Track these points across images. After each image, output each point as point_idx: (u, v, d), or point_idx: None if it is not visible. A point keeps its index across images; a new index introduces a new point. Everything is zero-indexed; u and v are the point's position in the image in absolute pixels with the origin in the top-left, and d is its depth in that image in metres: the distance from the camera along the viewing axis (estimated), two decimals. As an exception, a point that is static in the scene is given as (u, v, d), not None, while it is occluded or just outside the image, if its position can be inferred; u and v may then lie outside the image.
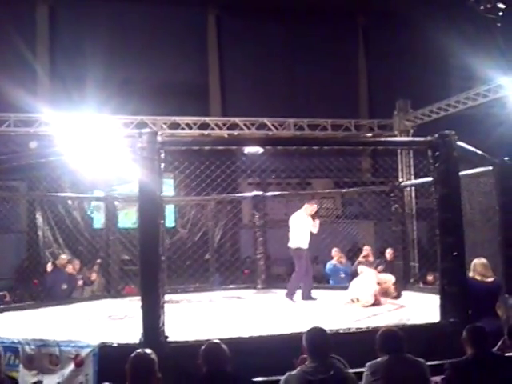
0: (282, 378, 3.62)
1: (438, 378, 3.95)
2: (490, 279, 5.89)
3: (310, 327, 3.89)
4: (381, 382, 3.71)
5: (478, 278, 5.85)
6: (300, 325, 5.50)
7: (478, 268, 5.88)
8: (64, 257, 9.73)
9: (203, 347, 3.70)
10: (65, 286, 9.17)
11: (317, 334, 3.82)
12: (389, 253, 9.70)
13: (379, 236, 11.65)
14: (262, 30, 15.55)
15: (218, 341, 3.78)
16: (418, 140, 6.62)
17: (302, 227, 8.47)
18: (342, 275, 9.99)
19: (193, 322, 6.50)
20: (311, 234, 8.55)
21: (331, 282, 10.28)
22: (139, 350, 3.52)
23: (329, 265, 10.25)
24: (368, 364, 3.83)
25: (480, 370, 3.80)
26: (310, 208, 8.63)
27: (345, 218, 12.32)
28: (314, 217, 8.63)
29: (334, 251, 10.15)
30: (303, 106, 15.04)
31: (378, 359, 3.83)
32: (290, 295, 8.27)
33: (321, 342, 3.74)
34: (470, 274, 5.88)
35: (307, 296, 8.39)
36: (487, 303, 5.72)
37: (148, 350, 3.53)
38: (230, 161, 10.80)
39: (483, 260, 5.95)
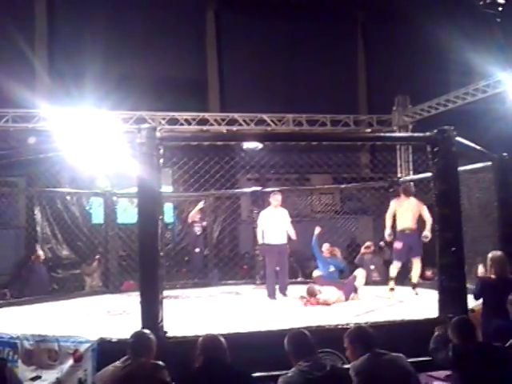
0: (280, 380, 3.53)
1: (436, 373, 3.96)
2: (509, 276, 5.55)
3: (288, 333, 3.86)
4: (365, 381, 3.55)
5: (495, 276, 5.53)
6: (298, 320, 5.53)
7: (497, 265, 5.56)
8: None
9: (200, 338, 3.73)
10: None
11: (298, 334, 3.81)
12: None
13: (378, 231, 11.63)
14: (261, 26, 15.49)
15: (215, 333, 3.79)
16: (417, 135, 6.62)
17: (267, 222, 8.33)
18: (332, 269, 9.52)
19: (191, 317, 6.51)
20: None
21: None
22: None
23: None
24: (351, 365, 3.68)
25: (471, 361, 3.78)
26: (273, 200, 8.45)
27: (343, 213, 12.32)
28: (280, 205, 8.40)
29: (325, 246, 9.27)
30: (302, 101, 15.00)
31: (360, 358, 3.65)
32: (270, 296, 8.17)
33: (304, 341, 3.71)
34: (487, 273, 5.69)
35: (272, 293, 8.15)
36: (503, 302, 5.28)
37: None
38: (229, 156, 10.81)
39: (500, 254, 5.65)
